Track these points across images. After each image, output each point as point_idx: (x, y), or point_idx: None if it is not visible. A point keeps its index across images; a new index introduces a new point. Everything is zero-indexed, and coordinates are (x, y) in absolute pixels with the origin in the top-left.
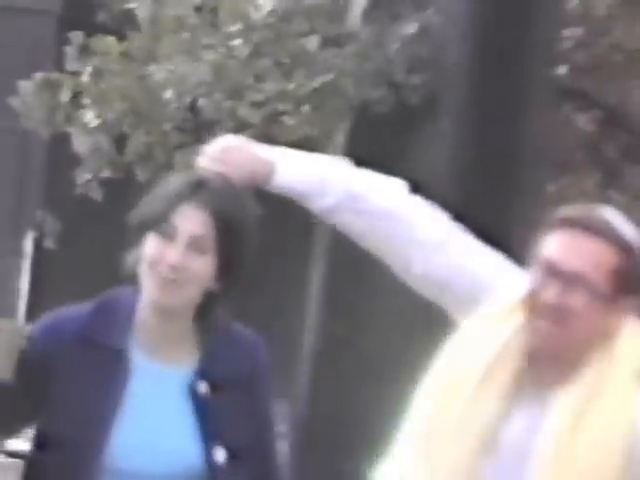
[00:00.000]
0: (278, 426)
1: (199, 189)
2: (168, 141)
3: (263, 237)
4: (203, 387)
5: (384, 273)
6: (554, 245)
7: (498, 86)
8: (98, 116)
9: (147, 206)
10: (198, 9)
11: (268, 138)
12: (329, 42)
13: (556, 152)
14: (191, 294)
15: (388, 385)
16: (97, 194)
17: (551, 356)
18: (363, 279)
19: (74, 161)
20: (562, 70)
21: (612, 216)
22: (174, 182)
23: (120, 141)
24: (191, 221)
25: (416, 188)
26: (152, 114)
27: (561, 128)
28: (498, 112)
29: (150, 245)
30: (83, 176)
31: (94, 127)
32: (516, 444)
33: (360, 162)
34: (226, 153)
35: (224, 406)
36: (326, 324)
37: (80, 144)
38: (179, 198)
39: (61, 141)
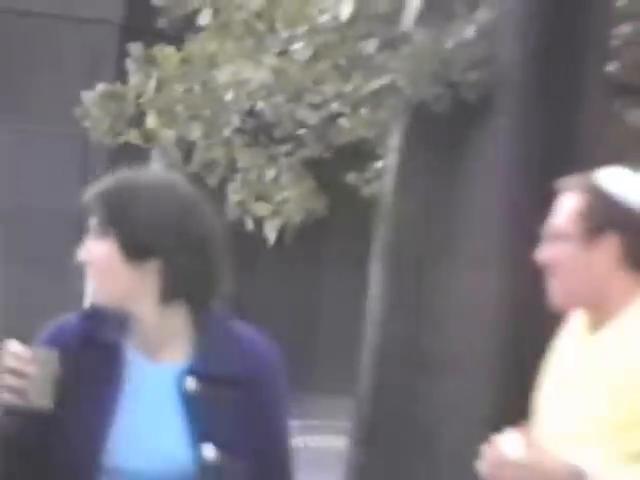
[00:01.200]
0: (332, 421)
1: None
2: (230, 144)
3: (320, 238)
4: (192, 383)
5: (447, 272)
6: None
7: (553, 83)
8: (163, 126)
9: None
10: (258, 14)
11: (325, 140)
12: (386, 44)
13: (607, 147)
14: (108, 284)
15: (453, 383)
16: None
17: (579, 308)
18: (426, 278)
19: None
20: (613, 67)
21: (608, 172)
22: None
23: (187, 151)
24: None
25: None
26: (214, 118)
27: (613, 124)
28: (550, 108)
29: None
30: None
31: (170, 144)
32: None
33: (417, 164)
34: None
35: (215, 403)
36: (389, 323)
37: (158, 160)
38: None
39: (123, 149)
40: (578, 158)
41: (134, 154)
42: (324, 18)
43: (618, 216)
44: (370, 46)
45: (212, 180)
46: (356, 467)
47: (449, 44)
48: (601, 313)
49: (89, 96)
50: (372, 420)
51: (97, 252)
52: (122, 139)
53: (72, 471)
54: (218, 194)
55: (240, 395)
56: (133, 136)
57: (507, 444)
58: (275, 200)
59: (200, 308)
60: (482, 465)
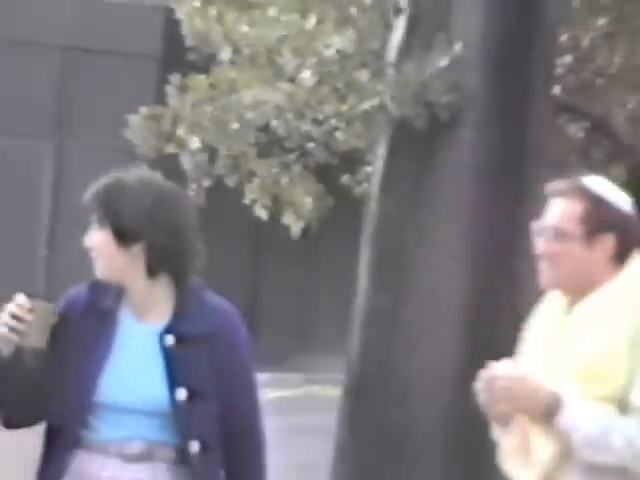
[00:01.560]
0: (330, 375)
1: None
2: (249, 154)
3: (323, 228)
4: (170, 340)
5: (420, 258)
6: (545, 211)
7: (507, 103)
8: (195, 138)
9: None
10: (271, 49)
11: (326, 148)
12: (376, 73)
13: (553, 155)
14: (106, 264)
15: (426, 345)
16: (202, 201)
17: (564, 292)
18: (403, 261)
19: (175, 174)
20: (557, 90)
21: (590, 179)
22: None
23: (212, 157)
24: (92, 211)
25: None
26: (236, 133)
27: (557, 136)
28: (507, 123)
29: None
30: (191, 187)
31: (196, 149)
32: None
33: (398, 169)
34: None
35: (187, 356)
36: (372, 297)
37: (187, 163)
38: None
39: (163, 159)
40: (529, 164)
41: (170, 160)
42: (328, 52)
43: (615, 219)
44: (363, 75)
45: (232, 181)
46: (347, 413)
47: (427, 72)
48: (583, 294)
49: (134, 119)
50: (360, 375)
51: (97, 240)
52: (163, 152)
53: (68, 404)
54: (239, 194)
55: (209, 350)
56: (170, 147)
57: (500, 367)
58: (290, 202)
59: (179, 281)
60: (478, 384)
